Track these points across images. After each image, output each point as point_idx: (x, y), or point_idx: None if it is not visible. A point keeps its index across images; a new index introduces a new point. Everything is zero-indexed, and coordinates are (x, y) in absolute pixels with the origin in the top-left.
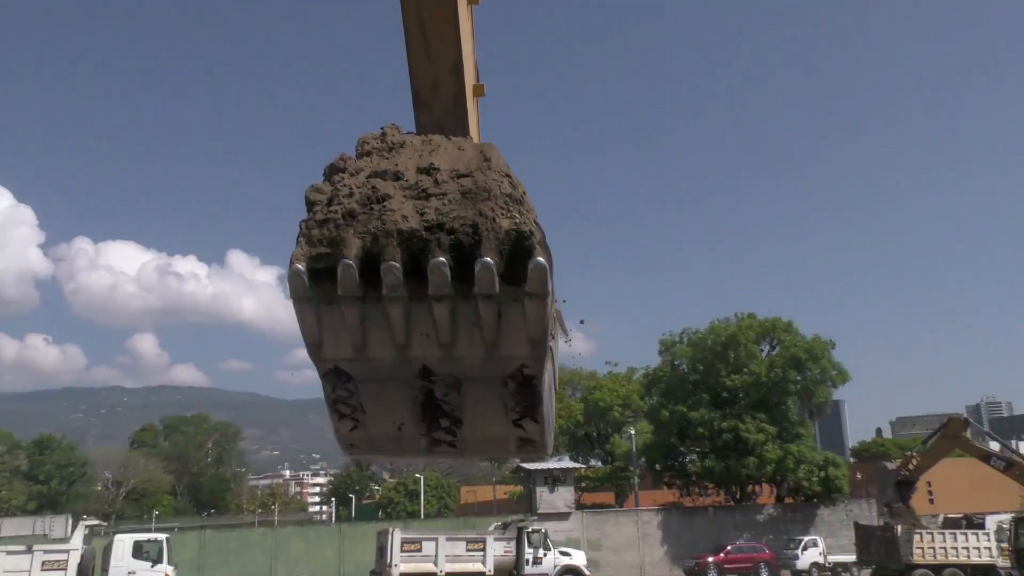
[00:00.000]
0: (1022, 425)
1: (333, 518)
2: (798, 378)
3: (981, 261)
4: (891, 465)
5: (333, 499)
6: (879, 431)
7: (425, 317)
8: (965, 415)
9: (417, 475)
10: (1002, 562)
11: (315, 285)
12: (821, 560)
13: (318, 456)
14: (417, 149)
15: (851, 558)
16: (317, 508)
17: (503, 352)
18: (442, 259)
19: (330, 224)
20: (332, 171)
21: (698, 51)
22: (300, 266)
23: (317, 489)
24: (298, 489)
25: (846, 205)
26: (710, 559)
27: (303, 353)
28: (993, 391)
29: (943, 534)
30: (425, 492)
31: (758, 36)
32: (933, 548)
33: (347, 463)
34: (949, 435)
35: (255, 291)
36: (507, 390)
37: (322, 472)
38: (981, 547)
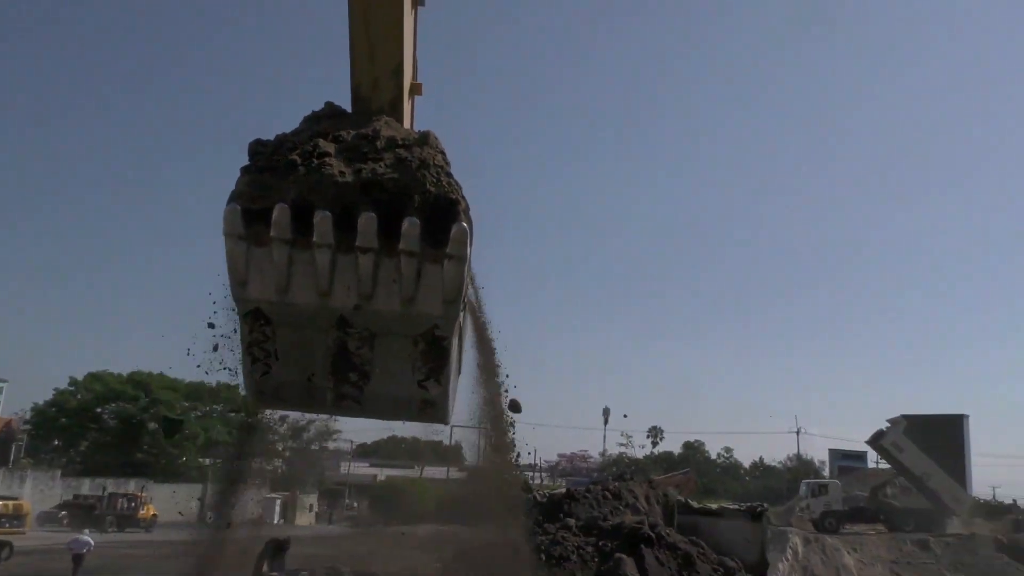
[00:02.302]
0: None
1: None
2: None
3: None
4: None
5: None
6: None
7: (349, 268)
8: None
9: None
10: None
11: (248, 225)
12: None
13: None
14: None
15: None
16: None
17: (418, 309)
18: (372, 214)
19: (269, 171)
20: (279, 140)
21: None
22: (236, 204)
23: None
24: None
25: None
26: None
27: None
28: None
29: None
30: None
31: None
32: None
33: None
34: None
35: None
36: (417, 349)
37: None
38: None
